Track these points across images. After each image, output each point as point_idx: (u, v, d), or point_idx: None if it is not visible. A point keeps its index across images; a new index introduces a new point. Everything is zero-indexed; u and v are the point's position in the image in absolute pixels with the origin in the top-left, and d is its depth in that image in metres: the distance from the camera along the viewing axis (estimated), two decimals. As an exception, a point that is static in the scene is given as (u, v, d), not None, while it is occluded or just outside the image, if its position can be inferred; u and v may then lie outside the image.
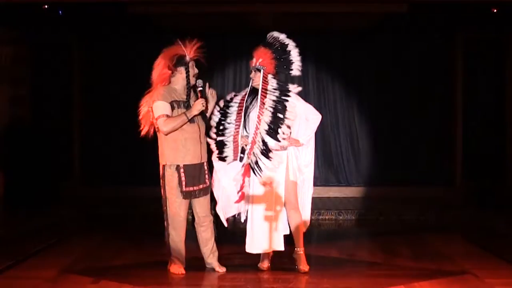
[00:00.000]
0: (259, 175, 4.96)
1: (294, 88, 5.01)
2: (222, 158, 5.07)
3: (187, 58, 4.94)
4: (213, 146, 5.10)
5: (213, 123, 5.12)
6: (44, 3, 8.26)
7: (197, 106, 4.85)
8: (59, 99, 9.61)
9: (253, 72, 5.03)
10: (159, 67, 4.94)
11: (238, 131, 5.00)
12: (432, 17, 9.09)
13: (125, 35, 9.59)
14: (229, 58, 9.63)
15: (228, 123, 5.06)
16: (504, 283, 4.72)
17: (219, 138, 5.07)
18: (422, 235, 6.96)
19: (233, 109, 5.09)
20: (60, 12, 8.74)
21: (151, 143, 9.99)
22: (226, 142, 5.05)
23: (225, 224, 5.24)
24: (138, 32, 9.46)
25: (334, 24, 9.27)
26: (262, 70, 4.98)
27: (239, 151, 4.99)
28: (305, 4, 8.45)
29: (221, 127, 5.07)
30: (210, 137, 5.10)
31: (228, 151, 5.05)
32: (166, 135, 4.89)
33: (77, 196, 9.22)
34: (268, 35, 5.12)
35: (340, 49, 9.95)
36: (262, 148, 4.93)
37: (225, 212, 5.18)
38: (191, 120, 4.89)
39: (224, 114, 5.10)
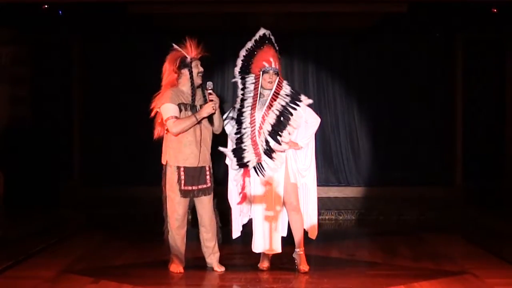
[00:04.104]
0: (262, 175, 4.96)
1: (305, 99, 5.01)
2: (244, 164, 4.98)
3: (188, 58, 4.95)
4: (230, 155, 5.02)
5: (231, 134, 5.04)
6: (44, 3, 8.27)
7: (207, 109, 4.86)
8: (59, 99, 9.61)
9: (273, 75, 4.97)
10: (166, 73, 4.97)
11: (254, 133, 4.92)
12: (432, 17, 9.09)
13: (125, 35, 9.60)
14: (229, 58, 9.64)
15: (244, 129, 4.97)
16: (504, 283, 4.72)
17: (234, 147, 5.00)
18: (422, 235, 6.95)
19: (246, 113, 4.99)
20: (60, 12, 8.74)
21: (151, 143, 10.01)
22: (244, 147, 4.96)
23: (235, 235, 5.18)
24: (138, 32, 9.47)
25: (334, 24, 9.27)
26: (278, 75, 4.99)
27: (262, 152, 4.91)
28: (305, 4, 8.45)
29: (237, 136, 4.99)
30: (226, 147, 5.04)
31: (249, 155, 4.95)
32: (176, 136, 4.89)
33: (77, 196, 9.23)
34: (266, 32, 5.06)
35: (340, 49, 9.95)
36: (266, 148, 4.93)
37: (238, 223, 5.16)
38: (198, 123, 4.90)
39: (239, 122, 5.00)
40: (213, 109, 4.87)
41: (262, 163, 4.93)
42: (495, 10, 8.42)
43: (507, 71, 9.51)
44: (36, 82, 9.59)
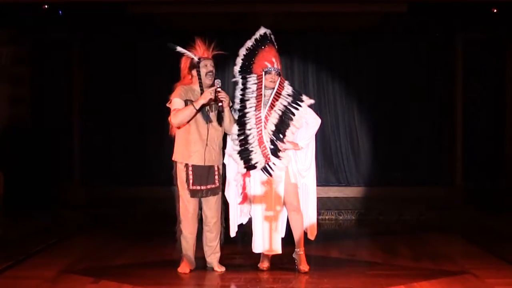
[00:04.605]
0: (270, 175, 4.94)
1: (307, 99, 5.01)
2: (252, 166, 4.94)
3: (196, 59, 4.96)
4: (236, 158, 4.96)
5: (234, 136, 4.99)
6: (44, 3, 8.26)
7: (205, 94, 4.83)
8: (59, 99, 9.60)
9: (275, 75, 4.96)
10: (182, 75, 5.04)
11: (261, 134, 4.91)
12: (432, 17, 9.09)
13: (125, 35, 9.59)
14: (229, 58, 9.62)
15: (248, 130, 4.95)
16: (504, 283, 4.72)
17: (240, 148, 4.95)
18: (422, 235, 6.96)
19: (250, 114, 4.97)
20: (60, 12, 8.74)
21: (151, 143, 10.03)
22: (251, 149, 4.93)
23: (231, 235, 5.18)
24: (138, 32, 9.47)
25: (334, 24, 9.27)
26: (280, 75, 4.99)
27: (269, 152, 4.90)
28: (305, 4, 8.45)
29: (241, 137, 4.96)
30: (232, 150, 4.99)
31: (257, 157, 4.92)
32: (179, 128, 4.91)
33: (77, 196, 9.22)
34: (267, 31, 5.05)
35: (340, 49, 9.95)
36: (271, 147, 4.92)
37: (235, 222, 5.15)
38: (205, 120, 4.90)
39: (241, 123, 4.98)
40: (211, 94, 4.81)
41: (269, 163, 4.92)
42: (495, 10, 8.42)
43: (507, 71, 9.50)
44: (36, 82, 9.58)
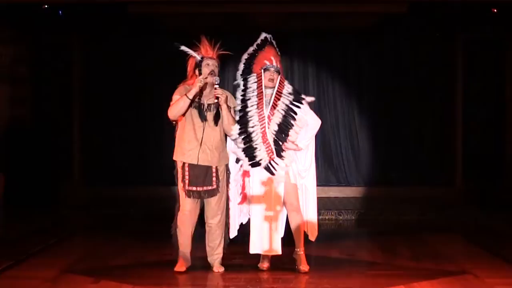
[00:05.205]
0: (272, 173, 4.94)
1: (307, 97, 5.03)
2: (257, 163, 4.94)
3: (198, 58, 4.97)
4: (241, 155, 4.96)
5: (234, 136, 4.97)
6: (44, 3, 8.27)
7: (196, 82, 4.83)
8: (59, 99, 9.61)
9: (275, 72, 4.98)
10: (188, 75, 5.05)
11: (265, 131, 4.91)
12: (432, 17, 9.09)
13: (125, 35, 9.60)
14: (229, 58, 9.61)
15: (251, 127, 4.95)
16: (504, 283, 4.72)
17: (245, 146, 4.95)
18: (422, 235, 6.96)
19: (252, 112, 4.97)
20: (60, 12, 8.74)
21: (151, 143, 10.02)
22: (255, 146, 4.92)
23: (232, 235, 5.17)
24: (138, 32, 9.47)
25: (334, 24, 9.27)
26: (280, 73, 5.00)
27: (273, 149, 4.90)
28: (305, 4, 8.45)
29: (244, 135, 4.95)
30: (236, 148, 5.00)
31: (261, 154, 4.92)
32: (174, 120, 4.93)
33: (77, 196, 9.22)
34: (268, 36, 5.08)
35: (340, 49, 9.96)
36: (274, 147, 4.93)
37: (236, 223, 5.16)
38: (202, 119, 4.89)
39: (243, 122, 4.96)
40: (201, 82, 4.80)
41: (272, 162, 4.91)
42: (495, 10, 8.42)
43: (507, 71, 9.51)
44: (36, 82, 9.58)
